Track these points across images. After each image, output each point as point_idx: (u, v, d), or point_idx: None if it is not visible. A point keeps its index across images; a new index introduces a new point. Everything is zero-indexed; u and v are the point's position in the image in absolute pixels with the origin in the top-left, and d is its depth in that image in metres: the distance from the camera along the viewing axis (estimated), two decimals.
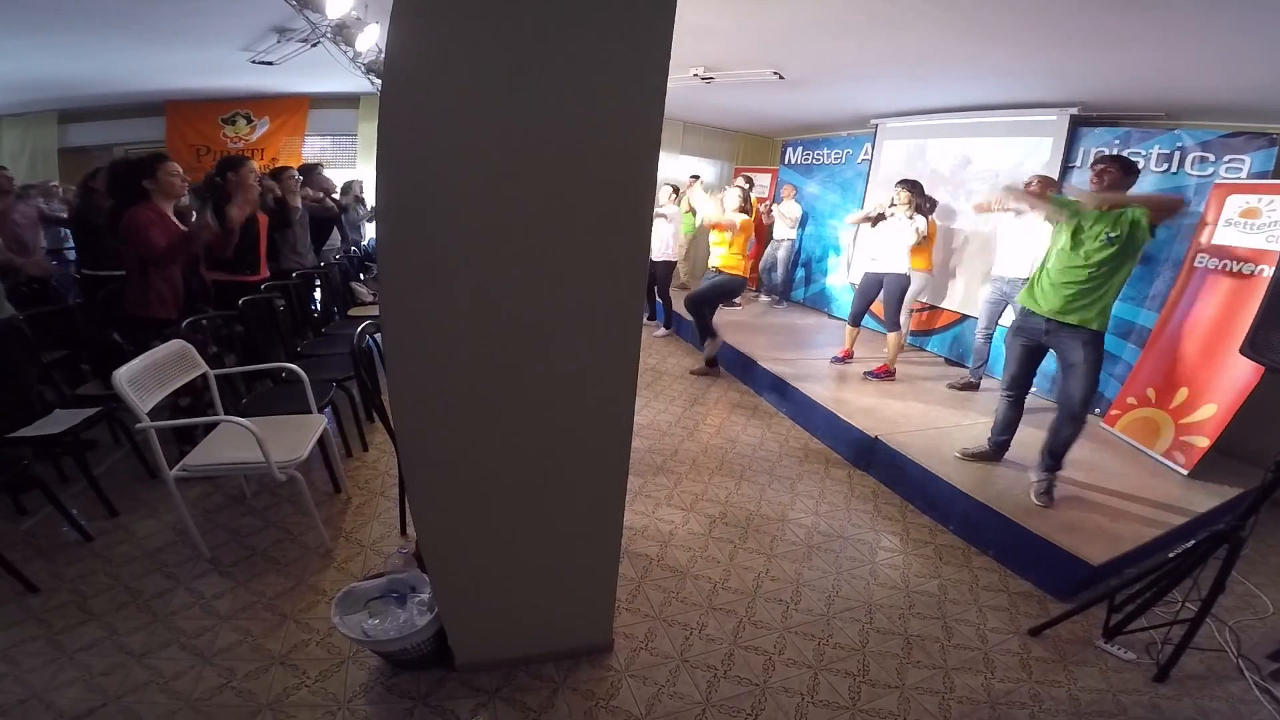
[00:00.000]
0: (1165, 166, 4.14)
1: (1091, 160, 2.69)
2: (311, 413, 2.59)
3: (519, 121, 1.12)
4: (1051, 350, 2.84)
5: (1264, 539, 3.20)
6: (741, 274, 4.65)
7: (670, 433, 3.70)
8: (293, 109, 7.43)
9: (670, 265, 5.67)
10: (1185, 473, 3.36)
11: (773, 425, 3.96)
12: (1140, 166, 4.19)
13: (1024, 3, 2.96)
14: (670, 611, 2.16)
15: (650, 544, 2.55)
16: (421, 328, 1.26)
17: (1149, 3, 2.68)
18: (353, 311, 4.60)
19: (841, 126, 7.35)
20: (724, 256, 4.53)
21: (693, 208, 5.33)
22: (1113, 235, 2.56)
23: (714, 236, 4.58)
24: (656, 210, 5.42)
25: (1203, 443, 3.33)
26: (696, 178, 7.28)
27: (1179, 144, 4.11)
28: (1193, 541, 2.03)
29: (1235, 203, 3.62)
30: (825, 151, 7.31)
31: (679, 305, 5.68)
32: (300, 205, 4.36)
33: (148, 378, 2.13)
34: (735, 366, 4.91)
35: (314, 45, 4.64)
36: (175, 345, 2.35)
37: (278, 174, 4.34)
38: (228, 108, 7.27)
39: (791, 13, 3.41)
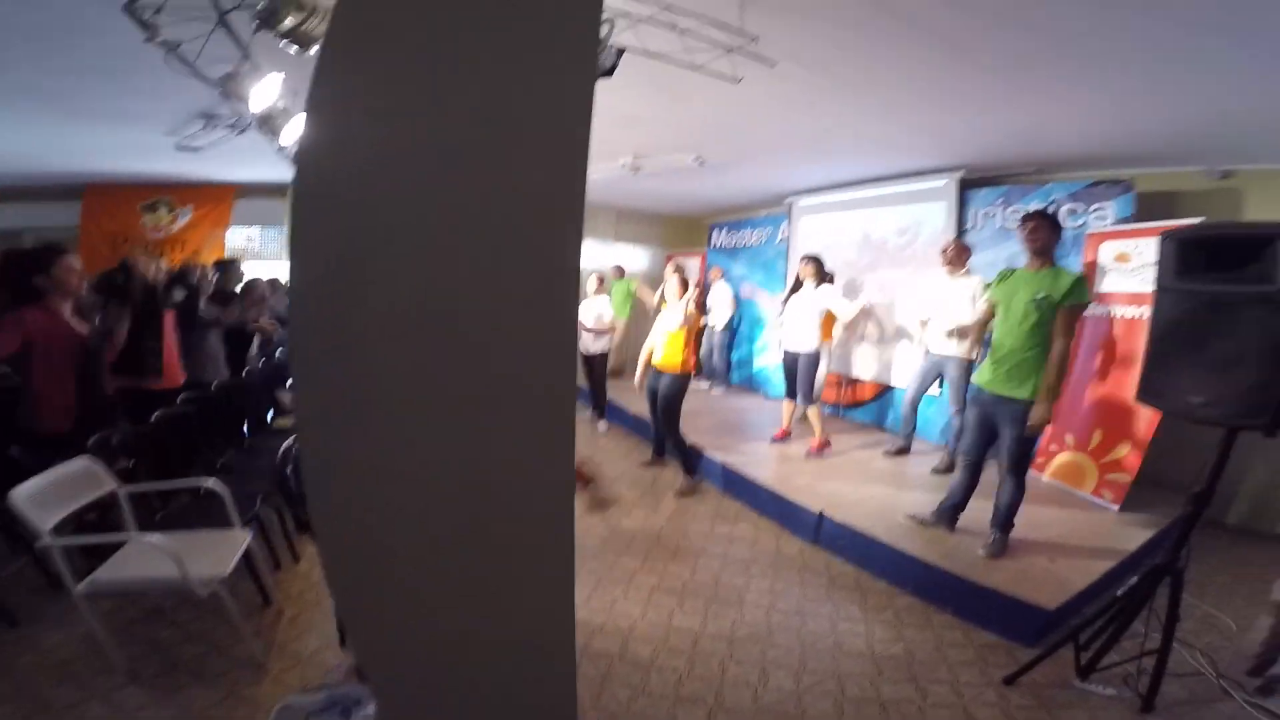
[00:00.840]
0: None
1: (1020, 221, 2.87)
2: (234, 528, 2.47)
3: (435, 201, 1.06)
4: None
5: (1204, 560, 3.33)
6: (689, 370, 4.32)
7: (621, 525, 3.62)
8: (218, 198, 7.02)
9: (604, 356, 5.66)
10: (1116, 509, 3.50)
11: (722, 509, 3.95)
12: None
13: (911, 76, 3.29)
14: (638, 706, 2.08)
15: (610, 640, 2.46)
16: (338, 424, 1.18)
17: (1017, 68, 3.03)
18: (278, 422, 4.37)
19: (762, 206, 7.84)
20: (677, 354, 4.21)
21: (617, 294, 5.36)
22: (1039, 297, 2.66)
23: (663, 334, 4.29)
24: (586, 303, 5.55)
25: (1125, 479, 3.50)
26: (620, 269, 7.58)
27: (1052, 197, 4.54)
28: (1135, 579, 2.09)
29: (1108, 249, 4.00)
30: (748, 232, 7.69)
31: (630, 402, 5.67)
32: (212, 309, 4.11)
33: (49, 495, 2.02)
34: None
35: (241, 132, 4.51)
36: (79, 463, 2.22)
37: (182, 275, 4.00)
38: (149, 194, 6.81)
39: (707, 100, 3.69)
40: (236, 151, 5.08)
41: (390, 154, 1.05)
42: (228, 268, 4.98)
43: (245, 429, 3.96)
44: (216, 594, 2.08)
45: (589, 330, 5.56)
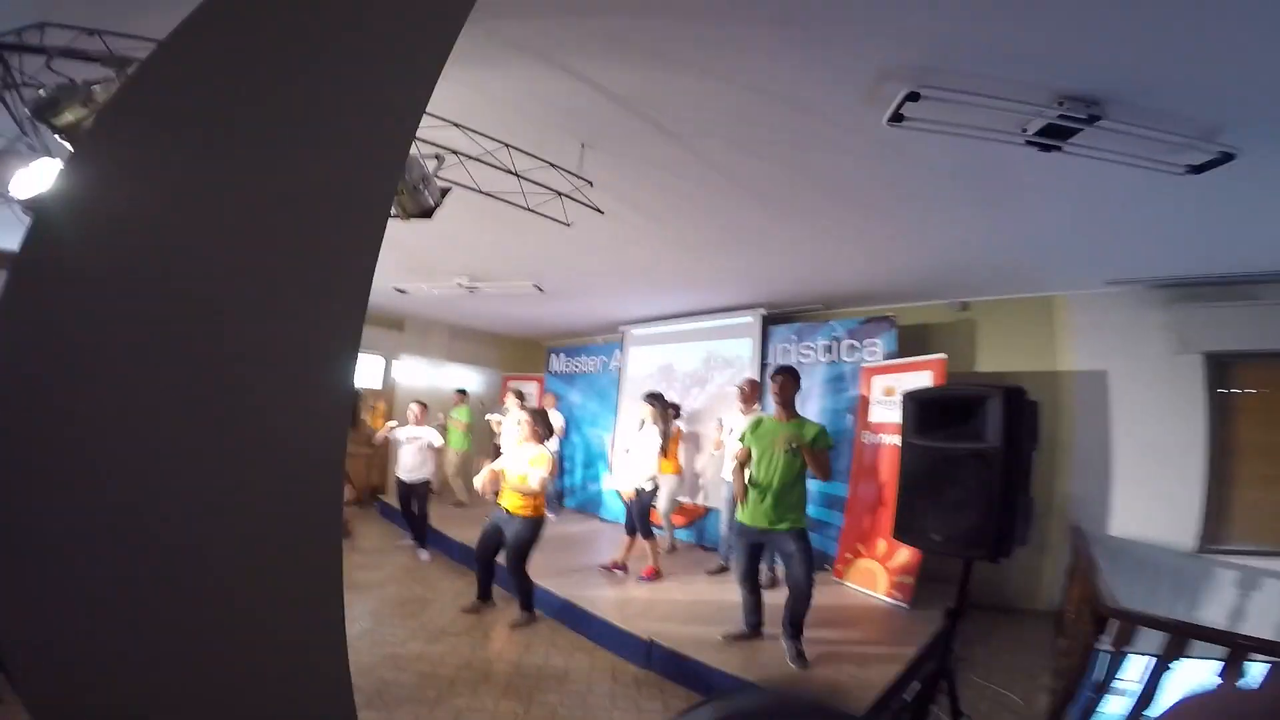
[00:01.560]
0: (828, 356, 5.31)
1: (771, 372, 3.40)
2: None
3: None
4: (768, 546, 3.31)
5: (987, 642, 3.75)
6: (539, 514, 3.89)
7: (445, 662, 3.26)
8: None
9: (425, 484, 5.35)
10: (908, 606, 3.88)
11: (557, 640, 3.73)
12: (812, 360, 5.43)
13: (722, 218, 3.74)
14: None
15: None
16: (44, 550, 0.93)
17: (804, 213, 3.55)
18: None
19: (599, 332, 8.22)
20: (527, 498, 3.82)
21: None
22: (794, 446, 3.13)
23: (514, 469, 3.87)
24: (402, 431, 5.33)
25: (910, 580, 3.93)
26: (462, 393, 7.38)
27: (834, 334, 5.31)
28: (918, 684, 2.28)
29: (879, 384, 4.72)
30: (585, 359, 7.96)
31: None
32: None
33: None
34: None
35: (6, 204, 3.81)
36: None
37: None
38: None
39: (542, 233, 3.85)
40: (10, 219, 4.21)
41: (147, 242, 0.94)
42: None
43: None
44: None
45: (410, 458, 5.30)
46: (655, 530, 4.91)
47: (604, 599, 4.07)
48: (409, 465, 5.29)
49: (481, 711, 2.78)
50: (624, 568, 4.69)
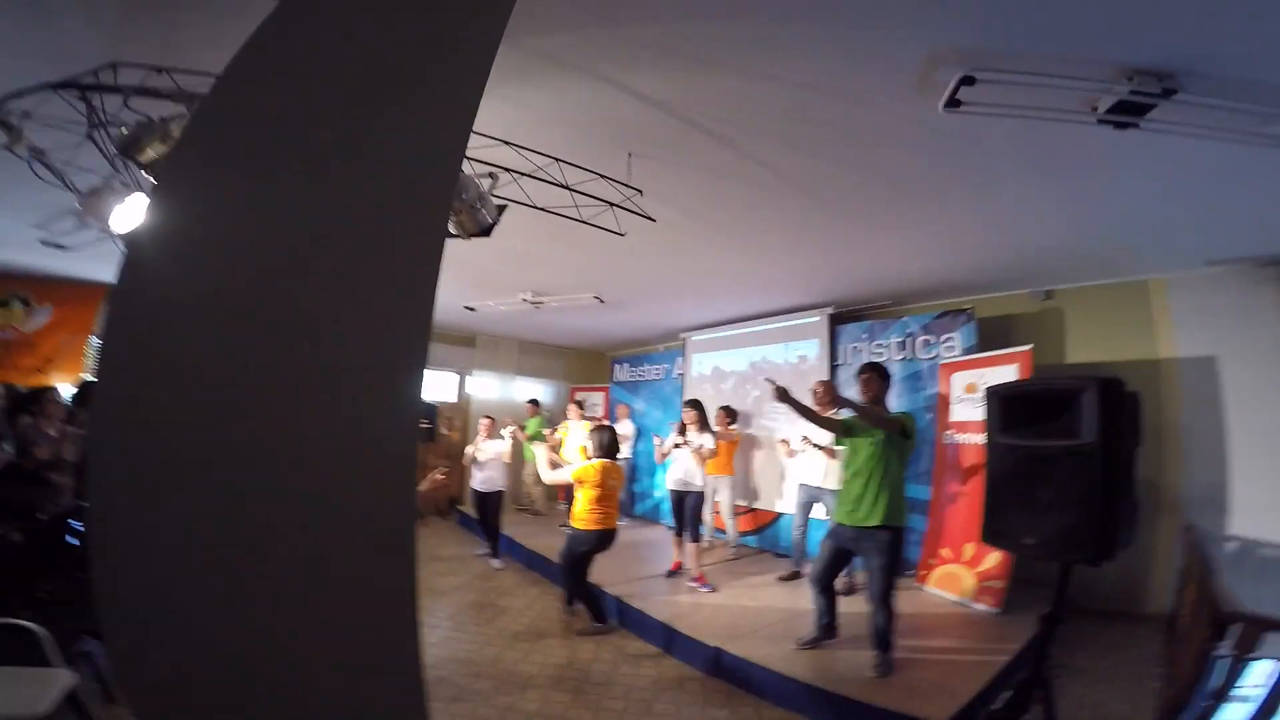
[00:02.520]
0: (901, 354, 5.08)
1: (856, 370, 3.29)
2: (56, 667, 2.17)
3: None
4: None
5: (1086, 648, 3.46)
6: (592, 527, 3.84)
7: (517, 669, 3.34)
8: (83, 299, 5.86)
9: (500, 494, 5.54)
10: (996, 611, 3.62)
11: (624, 649, 3.73)
12: (885, 359, 5.21)
13: (778, 220, 3.69)
14: None
15: None
16: (145, 555, 1.03)
17: (867, 211, 3.48)
18: None
19: (660, 340, 8.25)
20: (580, 509, 3.90)
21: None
22: (881, 438, 3.00)
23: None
24: (472, 449, 5.53)
25: (999, 584, 3.67)
26: (535, 404, 7.57)
27: (908, 330, 5.07)
28: (1010, 693, 2.13)
29: (959, 380, 4.46)
30: (647, 367, 8.02)
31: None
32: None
33: None
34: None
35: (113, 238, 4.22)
36: None
37: (37, 396, 3.53)
38: (4, 286, 5.74)
39: (598, 245, 3.93)
40: (112, 252, 4.42)
41: (231, 270, 1.02)
42: (87, 392, 4.17)
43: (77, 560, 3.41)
44: None
45: (481, 470, 5.51)
46: (719, 534, 4.85)
47: (671, 606, 4.05)
48: (482, 476, 5.48)
49: (552, 716, 2.82)
50: (682, 566, 4.77)
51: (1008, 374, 4.00)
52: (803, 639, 3.28)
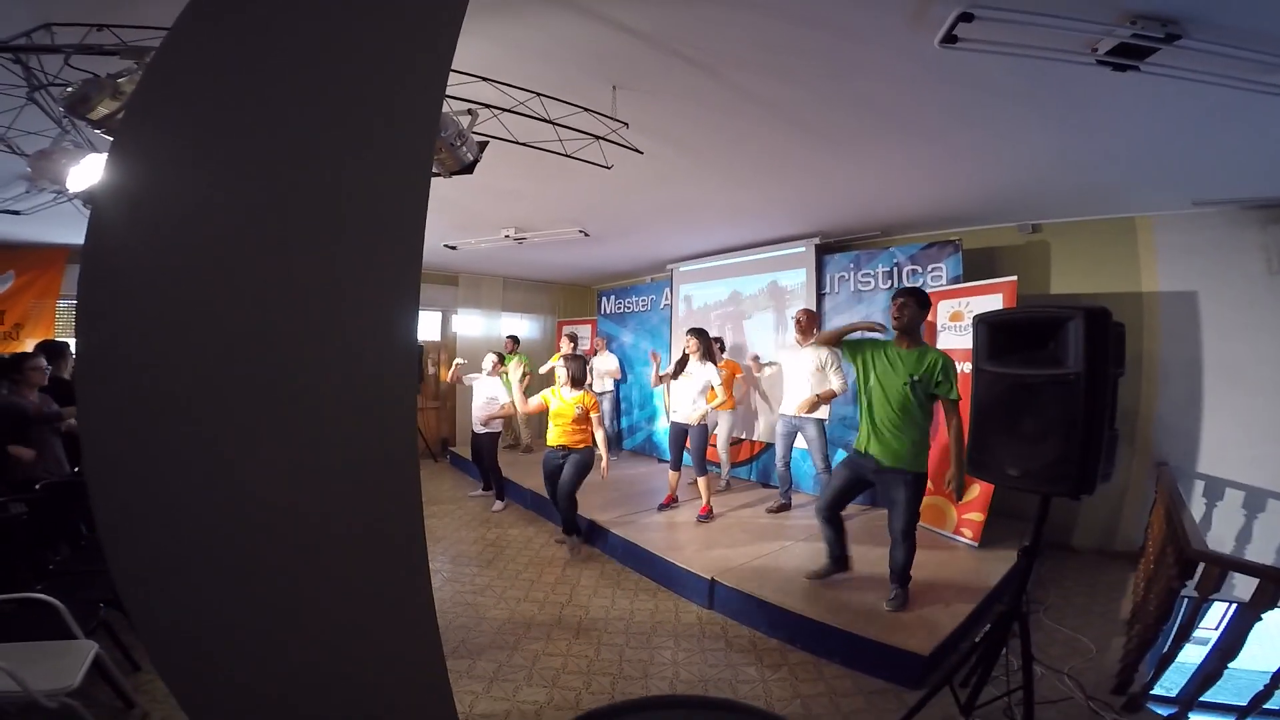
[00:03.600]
0: (889, 283, 5.06)
1: (892, 296, 3.08)
2: (76, 639, 2.22)
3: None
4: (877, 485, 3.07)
5: (1061, 584, 3.68)
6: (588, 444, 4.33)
7: (520, 608, 3.48)
8: (47, 263, 5.88)
9: (495, 436, 5.56)
10: (975, 545, 3.81)
11: (622, 583, 3.89)
12: (871, 288, 5.20)
13: (766, 151, 3.60)
14: None
15: None
16: (147, 514, 1.02)
17: (853, 140, 3.39)
18: None
19: (647, 272, 8.17)
20: (580, 434, 4.28)
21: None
22: (915, 380, 2.86)
23: (561, 410, 4.31)
24: (472, 379, 5.48)
25: (979, 517, 3.84)
26: (514, 340, 7.51)
27: (895, 260, 5.05)
28: (989, 625, 2.24)
29: (945, 308, 4.48)
30: (634, 299, 7.91)
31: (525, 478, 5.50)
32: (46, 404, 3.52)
33: None
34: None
35: (69, 200, 4.08)
36: None
37: (17, 363, 3.45)
38: None
39: (584, 179, 3.82)
40: (68, 213, 4.33)
41: (210, 225, 0.97)
42: (58, 354, 4.12)
43: (84, 529, 3.43)
44: (69, 705, 1.94)
45: (480, 411, 5.48)
46: (712, 467, 4.96)
47: (666, 540, 4.18)
48: (480, 418, 5.47)
49: (555, 655, 2.95)
50: (675, 500, 4.92)
51: (993, 303, 4.02)
52: (814, 571, 3.32)
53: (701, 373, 4.58)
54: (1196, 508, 3.87)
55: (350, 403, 1.08)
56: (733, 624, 3.26)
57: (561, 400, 4.26)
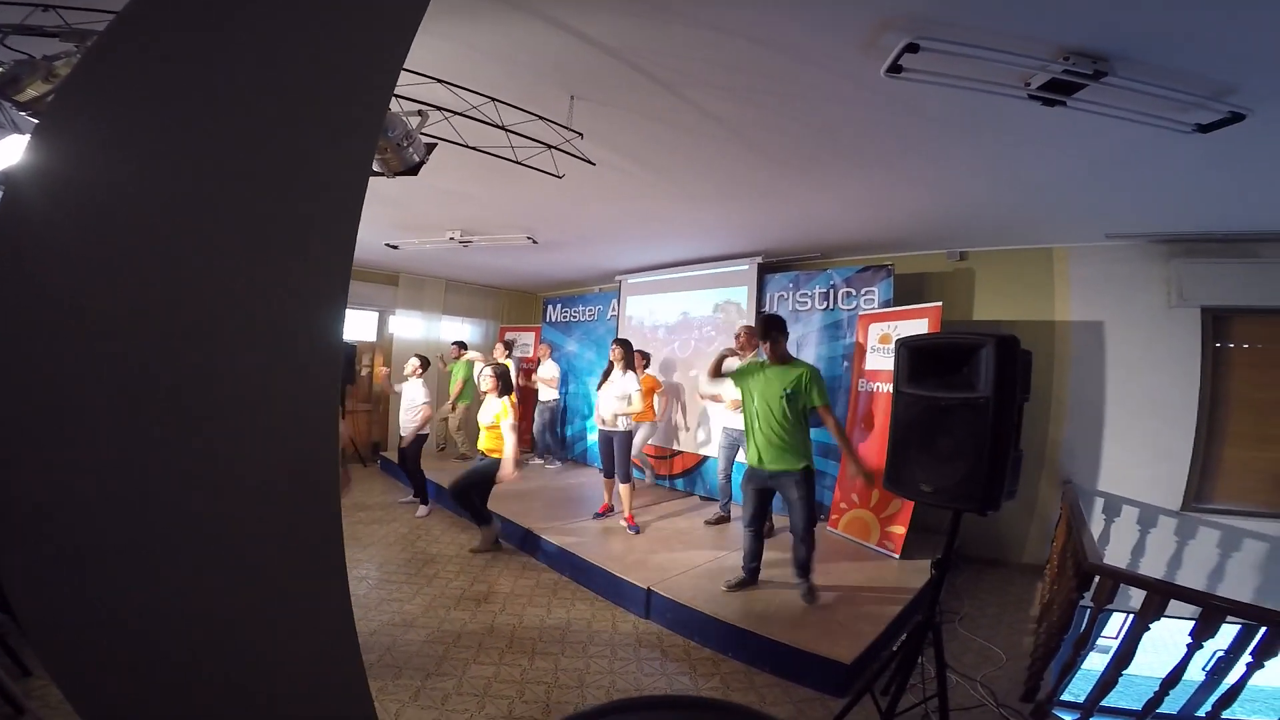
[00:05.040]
0: (825, 304, 5.27)
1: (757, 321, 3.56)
2: None
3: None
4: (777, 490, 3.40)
5: (975, 595, 3.90)
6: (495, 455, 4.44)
7: (450, 617, 3.38)
8: None
9: (421, 439, 5.43)
10: (897, 557, 4.00)
11: (558, 592, 3.85)
12: (809, 308, 5.39)
13: (717, 169, 3.68)
14: None
15: None
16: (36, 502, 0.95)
17: (798, 162, 3.50)
18: None
19: (595, 282, 8.15)
20: (493, 442, 4.43)
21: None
22: (788, 392, 3.24)
23: (482, 418, 4.52)
24: (397, 386, 5.42)
25: (900, 530, 4.04)
26: (461, 346, 7.35)
27: (831, 282, 5.25)
28: (905, 635, 2.35)
29: (875, 330, 4.70)
30: (581, 309, 7.89)
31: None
32: None
33: None
34: (514, 538, 4.76)
35: None
36: None
37: None
38: None
39: (534, 186, 3.79)
40: None
41: (120, 211, 0.94)
42: None
43: None
44: None
45: (404, 414, 5.40)
46: (636, 473, 5.04)
47: (604, 549, 4.18)
48: (405, 421, 5.37)
49: (488, 665, 2.88)
50: (611, 508, 4.94)
51: (919, 327, 4.25)
52: (730, 581, 3.48)
53: (622, 382, 4.65)
54: (1096, 524, 4.19)
55: (268, 398, 1.06)
56: (668, 634, 3.29)
57: (485, 408, 4.43)
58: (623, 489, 4.71)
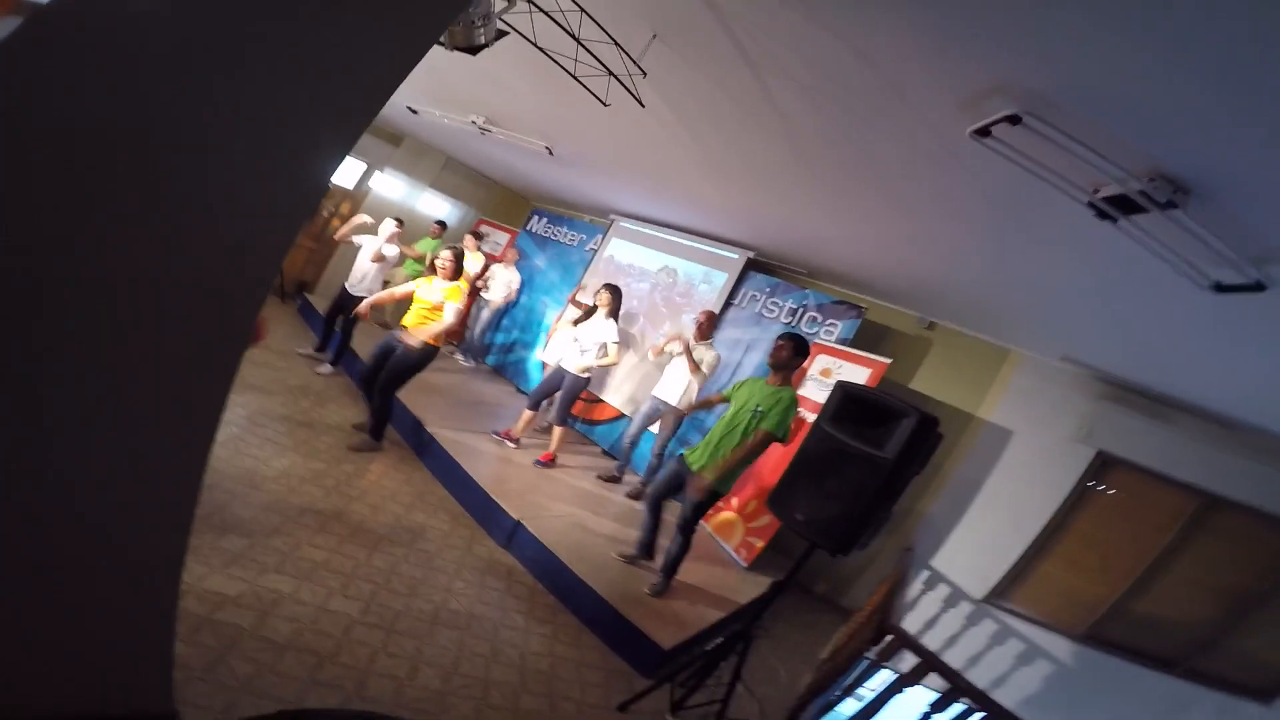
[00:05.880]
0: (790, 319, 5.32)
1: (778, 336, 3.35)
2: None
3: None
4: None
5: (791, 619, 4.17)
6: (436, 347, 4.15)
7: (302, 490, 3.18)
8: None
9: (360, 300, 5.00)
10: (745, 566, 4.25)
11: (426, 496, 3.73)
12: (773, 317, 5.42)
13: (754, 160, 3.60)
14: (262, 684, 1.91)
15: (245, 613, 2.20)
16: None
17: (835, 185, 3.42)
18: None
19: (588, 211, 7.98)
20: (429, 328, 4.01)
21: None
22: (759, 410, 3.10)
23: (430, 295, 4.10)
24: (363, 238, 5.22)
25: (759, 543, 4.28)
26: (441, 226, 7.07)
27: (804, 301, 5.29)
28: (721, 639, 2.57)
29: (821, 361, 4.80)
30: (564, 230, 7.73)
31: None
32: None
33: None
34: (402, 425, 4.53)
35: None
36: None
37: None
38: None
39: (580, 105, 3.57)
40: None
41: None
42: None
43: None
44: None
45: (360, 268, 5.24)
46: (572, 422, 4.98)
47: (489, 470, 4.08)
48: (358, 277, 5.17)
49: (322, 549, 2.76)
50: (516, 441, 4.74)
51: (861, 375, 4.41)
52: (624, 553, 3.55)
53: (603, 329, 4.58)
54: (914, 590, 4.54)
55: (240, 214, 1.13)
56: (521, 570, 3.34)
57: (431, 287, 4.08)
58: (557, 430, 4.66)
